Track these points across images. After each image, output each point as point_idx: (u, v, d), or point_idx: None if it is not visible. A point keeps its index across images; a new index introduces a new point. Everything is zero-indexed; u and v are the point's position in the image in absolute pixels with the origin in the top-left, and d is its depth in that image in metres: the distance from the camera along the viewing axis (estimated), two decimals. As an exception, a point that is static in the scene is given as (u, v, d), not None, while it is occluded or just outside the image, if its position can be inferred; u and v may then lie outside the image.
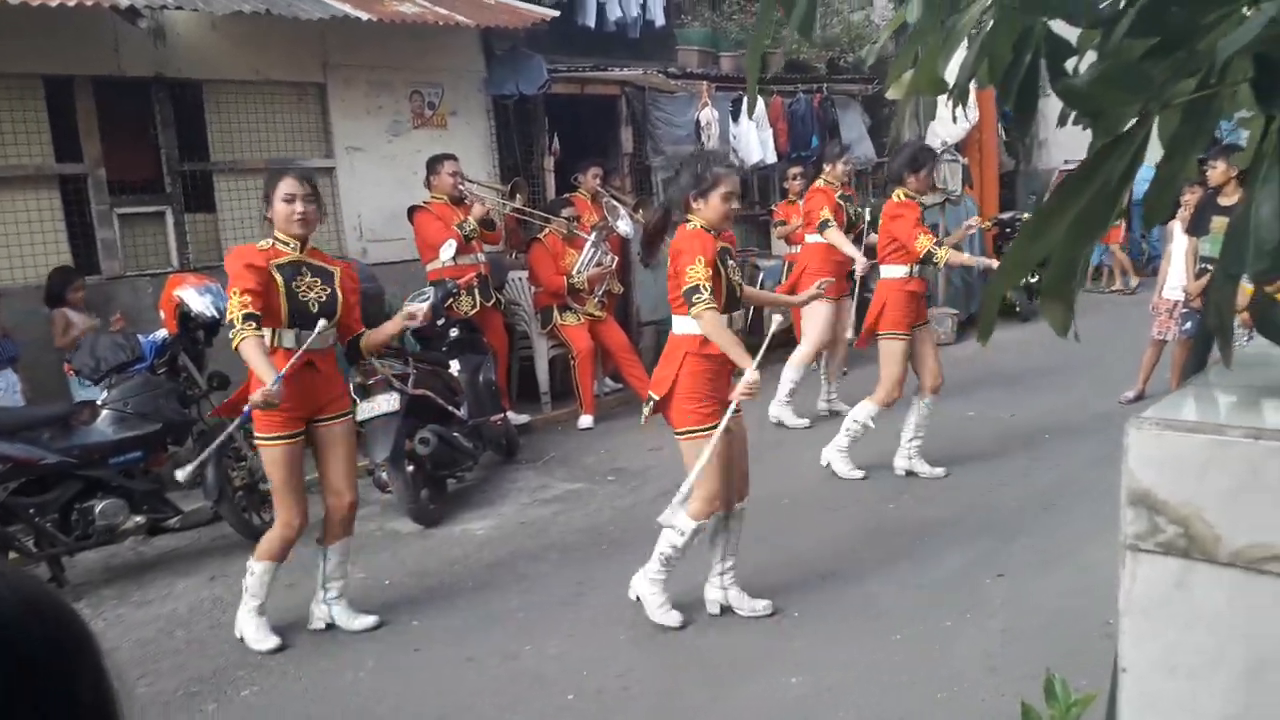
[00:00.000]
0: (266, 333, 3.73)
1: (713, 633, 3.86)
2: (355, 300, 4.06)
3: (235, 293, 3.66)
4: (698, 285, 3.59)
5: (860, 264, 6.55)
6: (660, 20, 9.24)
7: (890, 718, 3.20)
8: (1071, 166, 13.18)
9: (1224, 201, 5.94)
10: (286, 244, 3.83)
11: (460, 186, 6.82)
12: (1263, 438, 1.03)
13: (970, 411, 6.68)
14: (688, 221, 3.81)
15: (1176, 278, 6.48)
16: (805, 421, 6.88)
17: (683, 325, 3.76)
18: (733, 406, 3.65)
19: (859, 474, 5.57)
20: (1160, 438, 1.08)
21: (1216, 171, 5.85)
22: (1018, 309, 10.15)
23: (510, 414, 6.77)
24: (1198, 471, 1.06)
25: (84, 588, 4.68)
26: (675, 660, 3.67)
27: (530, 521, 5.32)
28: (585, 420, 7.20)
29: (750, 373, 3.57)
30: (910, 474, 5.59)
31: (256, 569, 3.94)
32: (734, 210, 3.80)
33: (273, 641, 3.92)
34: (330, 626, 4.03)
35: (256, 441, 3.92)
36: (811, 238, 6.99)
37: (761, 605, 3.94)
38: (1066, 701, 1.87)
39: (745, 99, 9.28)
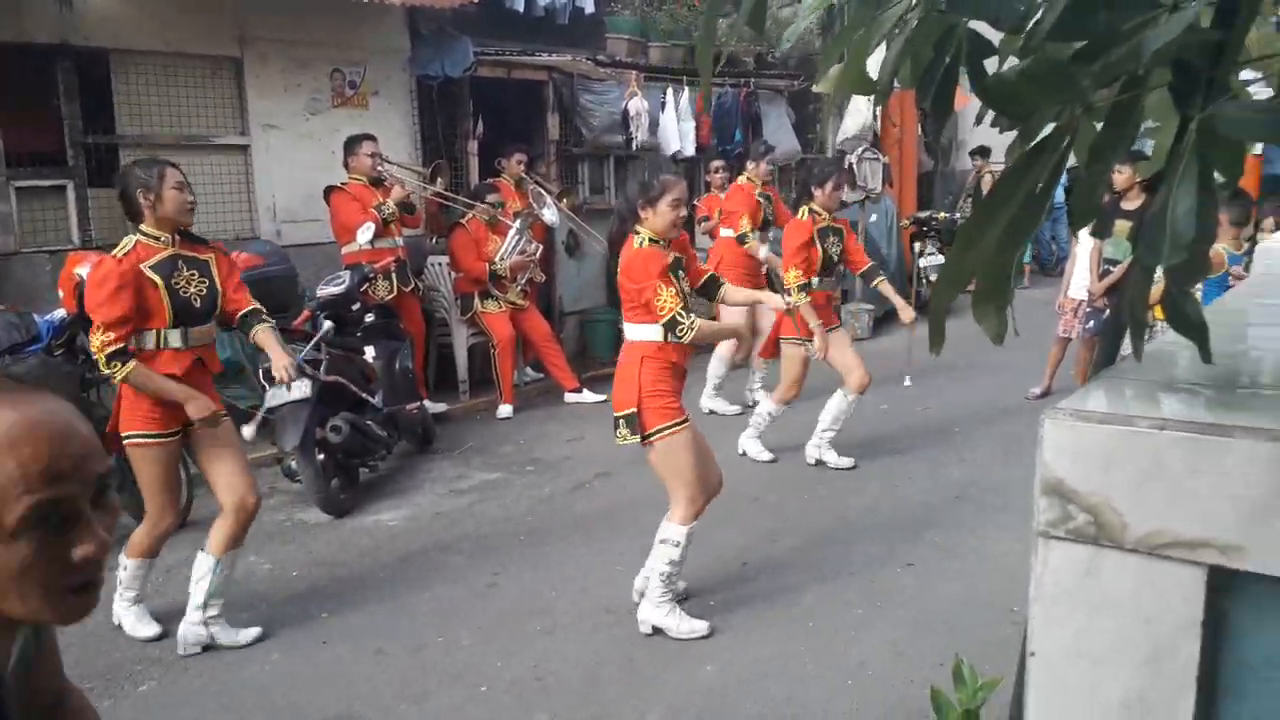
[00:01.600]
0: (151, 334, 3.58)
1: (629, 623, 3.84)
2: (237, 279, 3.89)
3: (100, 329, 3.45)
4: (674, 316, 3.59)
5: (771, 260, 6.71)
6: (590, 7, 9.19)
7: (801, 705, 3.23)
8: (997, 166, 13.58)
9: (1127, 205, 6.16)
10: (157, 239, 3.60)
11: (379, 168, 6.68)
12: (1167, 428, 1.05)
13: (883, 405, 6.81)
14: (636, 234, 3.74)
15: (1081, 278, 6.70)
16: (737, 408, 7.02)
17: (638, 332, 3.72)
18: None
19: (767, 456, 5.84)
20: (1072, 429, 1.10)
21: (1122, 176, 6.05)
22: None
23: (427, 402, 6.66)
24: (1106, 461, 1.08)
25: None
26: (590, 650, 3.65)
27: (445, 512, 5.24)
28: (504, 410, 7.13)
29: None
30: (819, 463, 5.68)
31: (129, 564, 3.83)
32: (682, 217, 3.77)
33: (153, 629, 3.83)
34: (209, 649, 3.71)
35: (128, 442, 3.62)
36: (726, 232, 7.05)
37: (701, 627, 3.82)
38: (974, 686, 1.90)
39: (687, 91, 9.33)
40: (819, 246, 5.41)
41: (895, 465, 5.69)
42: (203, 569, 3.73)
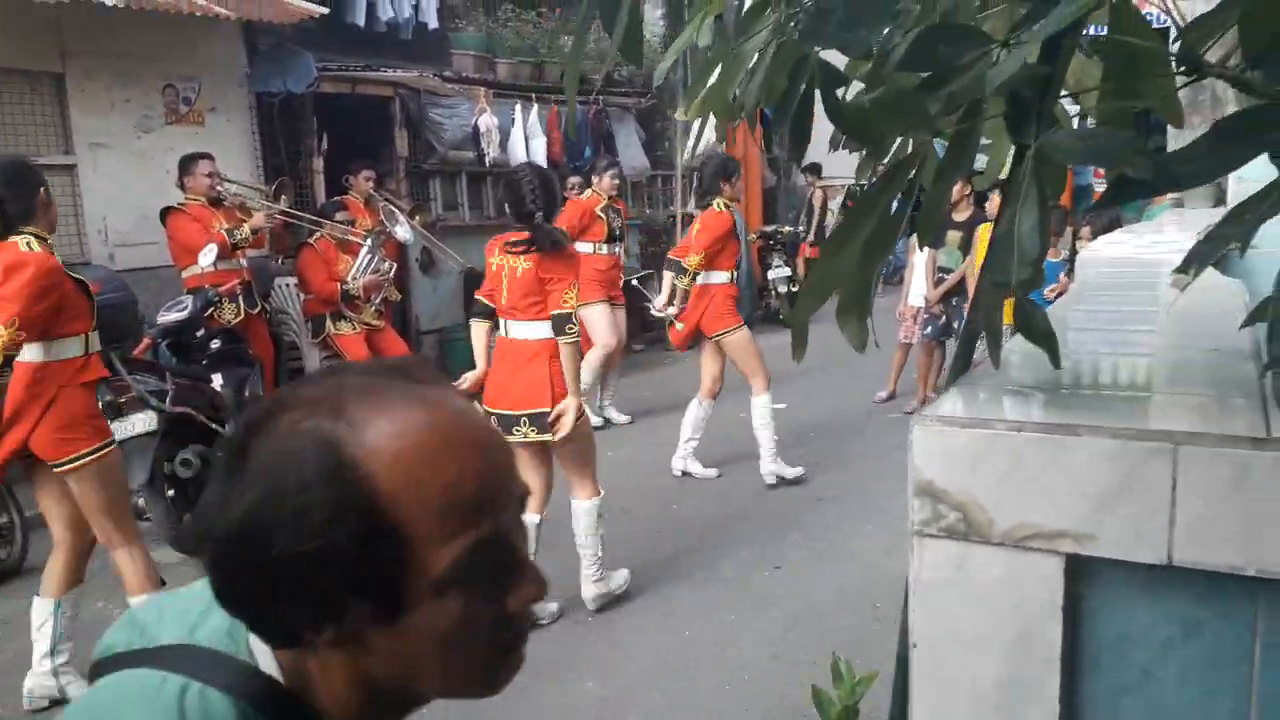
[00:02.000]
0: (78, 340, 3.35)
1: (506, 642, 3.83)
2: None
3: (13, 322, 3.08)
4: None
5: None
6: (433, 23, 9.09)
7: (684, 711, 3.31)
8: (827, 183, 14.17)
9: (958, 217, 6.58)
10: (45, 241, 3.33)
11: (218, 187, 6.41)
12: (1024, 430, 1.15)
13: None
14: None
15: (919, 286, 7.11)
16: (627, 419, 7.17)
17: (538, 330, 3.82)
18: None
19: (798, 470, 5.68)
20: (939, 433, 1.19)
21: (955, 189, 6.47)
22: (781, 316, 10.76)
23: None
24: (971, 462, 1.18)
25: None
26: (469, 673, 3.62)
27: (308, 541, 5.07)
28: (363, 433, 6.95)
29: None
30: (686, 474, 5.80)
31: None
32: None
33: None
34: (56, 703, 3.43)
35: (100, 453, 3.43)
36: (581, 246, 7.10)
37: (549, 610, 3.99)
38: (851, 682, 2.00)
39: (559, 110, 9.37)
40: (740, 239, 5.66)
41: (757, 471, 5.86)
42: (42, 614, 3.47)
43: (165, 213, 6.29)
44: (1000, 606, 1.18)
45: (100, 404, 4.65)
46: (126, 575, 3.49)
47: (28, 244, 3.22)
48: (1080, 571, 1.13)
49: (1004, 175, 1.40)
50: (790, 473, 5.66)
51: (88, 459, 3.35)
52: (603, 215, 7.25)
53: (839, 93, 1.46)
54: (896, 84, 1.31)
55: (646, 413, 7.41)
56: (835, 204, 14.03)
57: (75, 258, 6.49)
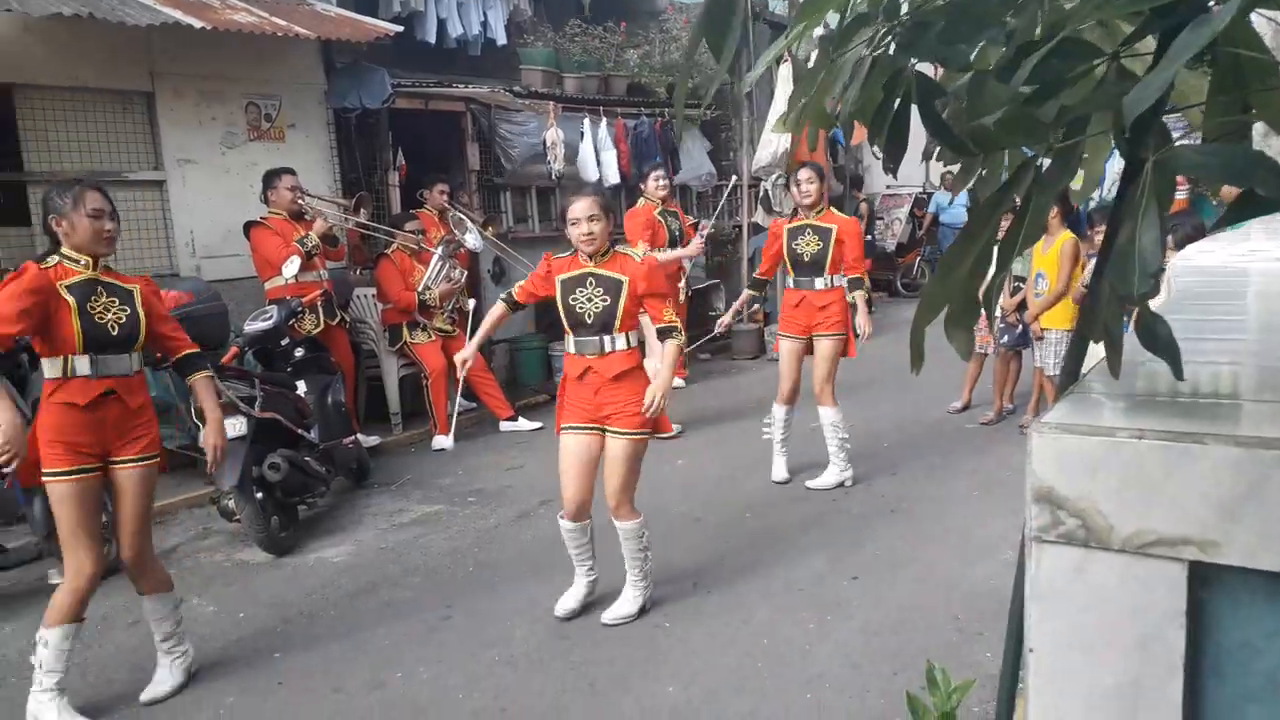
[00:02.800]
0: (58, 361, 3.40)
1: (587, 646, 3.90)
2: (164, 314, 3.75)
3: None
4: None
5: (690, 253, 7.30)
6: (502, 39, 9.26)
7: (763, 719, 3.32)
8: (892, 193, 14.07)
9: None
10: (76, 261, 3.46)
11: (299, 201, 6.62)
12: (1145, 437, 1.17)
13: (813, 423, 6.98)
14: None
15: (993, 296, 7.01)
16: (679, 427, 7.13)
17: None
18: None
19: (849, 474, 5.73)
20: (1059, 441, 1.21)
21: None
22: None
23: (360, 436, 6.60)
24: (1091, 469, 1.19)
25: (-112, 639, 4.25)
26: (550, 677, 3.68)
27: (390, 546, 5.20)
28: (441, 441, 7.08)
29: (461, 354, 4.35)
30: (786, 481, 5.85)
31: (51, 638, 3.40)
32: (585, 236, 3.90)
33: None
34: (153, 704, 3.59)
35: (43, 478, 3.41)
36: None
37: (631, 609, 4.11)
38: (948, 689, 2.02)
39: (673, 125, 9.61)
40: (784, 244, 5.67)
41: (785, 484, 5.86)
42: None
43: (249, 227, 6.51)
44: (1120, 612, 1.19)
45: (192, 410, 4.86)
46: (54, 599, 3.45)
47: (41, 260, 3.45)
48: (1203, 578, 1.14)
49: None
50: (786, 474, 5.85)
51: (45, 479, 3.43)
52: (661, 220, 7.32)
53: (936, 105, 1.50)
54: (1008, 98, 1.34)
55: (715, 421, 7.44)
56: (901, 213, 13.94)
57: (164, 270, 6.75)
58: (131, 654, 3.99)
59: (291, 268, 6.30)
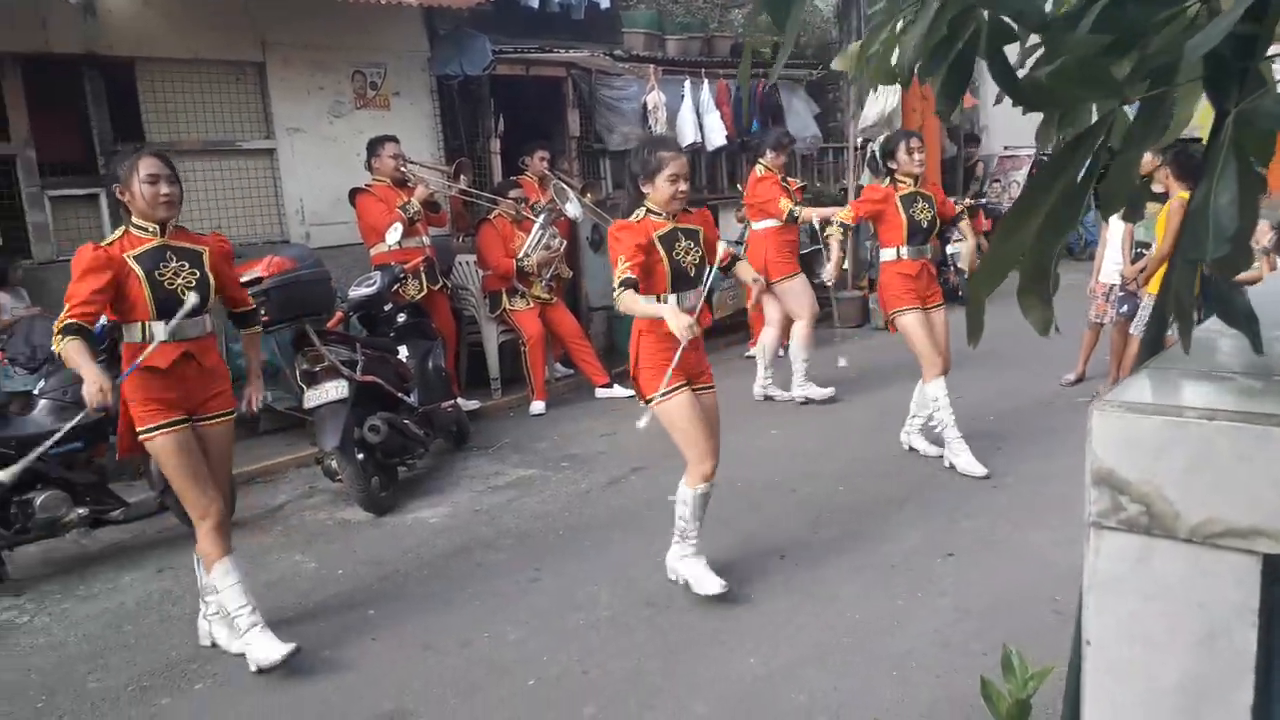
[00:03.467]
0: (135, 328, 3.53)
1: (671, 614, 3.90)
2: (232, 275, 3.86)
3: (66, 302, 3.39)
4: (618, 278, 3.76)
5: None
6: (605, 3, 9.20)
7: (847, 695, 3.26)
8: (1010, 153, 13.46)
9: (1157, 188, 6.12)
10: (144, 229, 3.53)
11: (402, 168, 6.74)
12: (1216, 418, 1.07)
13: (958, 395, 6.78)
14: (638, 210, 3.89)
15: (1112, 263, 6.66)
16: (830, 391, 7.02)
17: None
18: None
19: (935, 450, 5.58)
20: (1122, 419, 1.12)
21: (1146, 161, 6.01)
22: (960, 293, 10.34)
23: (460, 400, 6.73)
24: (1157, 452, 1.10)
25: (26, 582, 4.57)
26: (633, 643, 3.70)
27: (484, 508, 5.30)
28: (537, 406, 7.19)
29: (672, 316, 3.63)
30: (912, 450, 5.70)
31: (217, 582, 3.60)
32: (683, 191, 3.83)
33: (283, 650, 3.56)
34: (215, 645, 3.79)
35: (141, 438, 3.54)
36: (760, 224, 7.04)
37: (715, 586, 3.96)
38: (1024, 676, 1.92)
39: (706, 84, 9.33)
40: (902, 213, 5.40)
41: (932, 456, 5.69)
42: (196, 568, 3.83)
43: (354, 194, 6.68)
44: (1185, 606, 1.10)
45: (296, 373, 5.04)
46: (199, 548, 3.67)
47: (109, 238, 3.57)
48: (1278, 572, 1.04)
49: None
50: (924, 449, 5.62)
51: (143, 435, 3.56)
52: (784, 186, 7.19)
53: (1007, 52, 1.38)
54: (1080, 48, 1.23)
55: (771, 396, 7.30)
56: (1020, 175, 13.34)
57: (275, 237, 7.00)
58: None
59: (394, 234, 6.44)
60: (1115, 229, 6.60)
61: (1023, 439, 5.79)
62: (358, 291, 6.02)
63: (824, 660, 3.49)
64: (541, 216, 7.28)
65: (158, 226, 3.57)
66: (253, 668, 3.57)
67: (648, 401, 3.88)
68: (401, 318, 6.27)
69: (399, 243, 6.50)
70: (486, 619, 3.97)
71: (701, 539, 4.02)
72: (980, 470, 5.24)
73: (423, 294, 6.67)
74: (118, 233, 3.58)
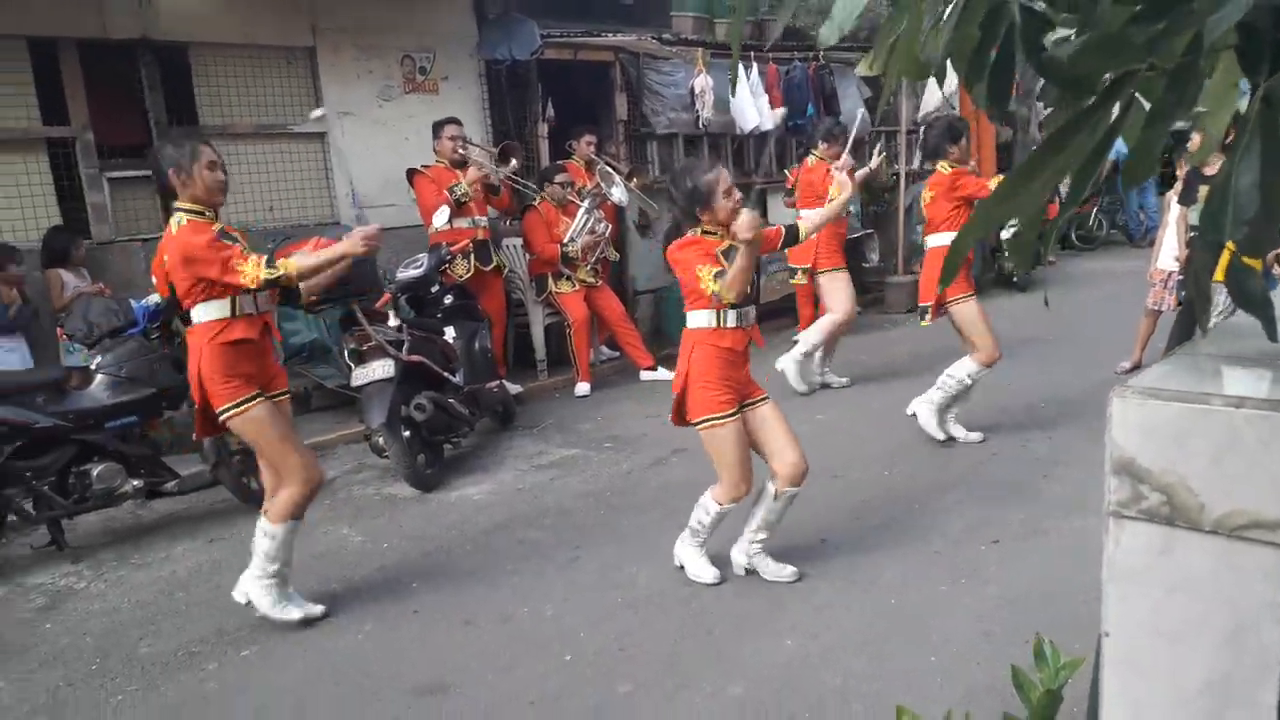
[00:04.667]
0: (225, 303, 3.58)
1: (709, 596, 3.90)
2: None
3: (239, 263, 3.44)
4: (713, 278, 3.68)
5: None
6: (654, -15, 9.17)
7: (884, 680, 3.24)
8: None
9: (1208, 171, 5.94)
10: (200, 215, 3.59)
11: (460, 150, 6.78)
12: (1244, 406, 1.04)
13: (1004, 381, 6.69)
14: (694, 228, 3.84)
15: (1170, 248, 6.49)
16: (846, 380, 7.04)
17: (693, 319, 3.83)
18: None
19: (976, 436, 5.59)
20: (1143, 406, 1.10)
21: (1197, 141, 5.83)
22: (1015, 279, 10.15)
23: (506, 381, 6.78)
24: (1180, 440, 1.08)
25: (83, 550, 4.72)
26: (671, 622, 3.72)
27: (527, 487, 5.35)
28: (581, 388, 7.23)
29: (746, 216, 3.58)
30: (951, 439, 5.63)
31: (278, 532, 3.72)
32: (739, 199, 3.81)
33: (316, 610, 3.84)
34: (249, 604, 3.84)
35: (227, 416, 3.61)
36: (808, 212, 6.92)
37: (787, 572, 4.00)
38: (1055, 665, 1.89)
39: (757, 67, 9.23)
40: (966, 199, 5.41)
41: (987, 441, 5.61)
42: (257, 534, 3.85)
43: (411, 175, 6.75)
44: (1209, 600, 1.08)
45: (344, 352, 5.11)
46: (273, 504, 3.75)
47: (178, 220, 3.57)
48: (1307, 567, 1.02)
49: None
50: (938, 434, 5.52)
51: (230, 413, 3.62)
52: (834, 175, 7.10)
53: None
54: (1106, 19, 1.19)
55: (862, 377, 7.25)
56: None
57: (326, 219, 7.11)
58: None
59: (440, 217, 6.48)
60: (1173, 214, 6.43)
61: (1075, 428, 5.67)
62: (405, 273, 6.09)
63: (863, 645, 3.47)
64: (586, 202, 7.29)
65: (212, 212, 3.65)
66: (270, 610, 3.77)
67: (694, 423, 3.81)
68: (449, 299, 6.32)
69: (449, 224, 6.55)
70: (526, 595, 4.01)
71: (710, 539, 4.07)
72: (939, 435, 5.48)
73: (470, 274, 6.71)
74: (181, 220, 3.57)
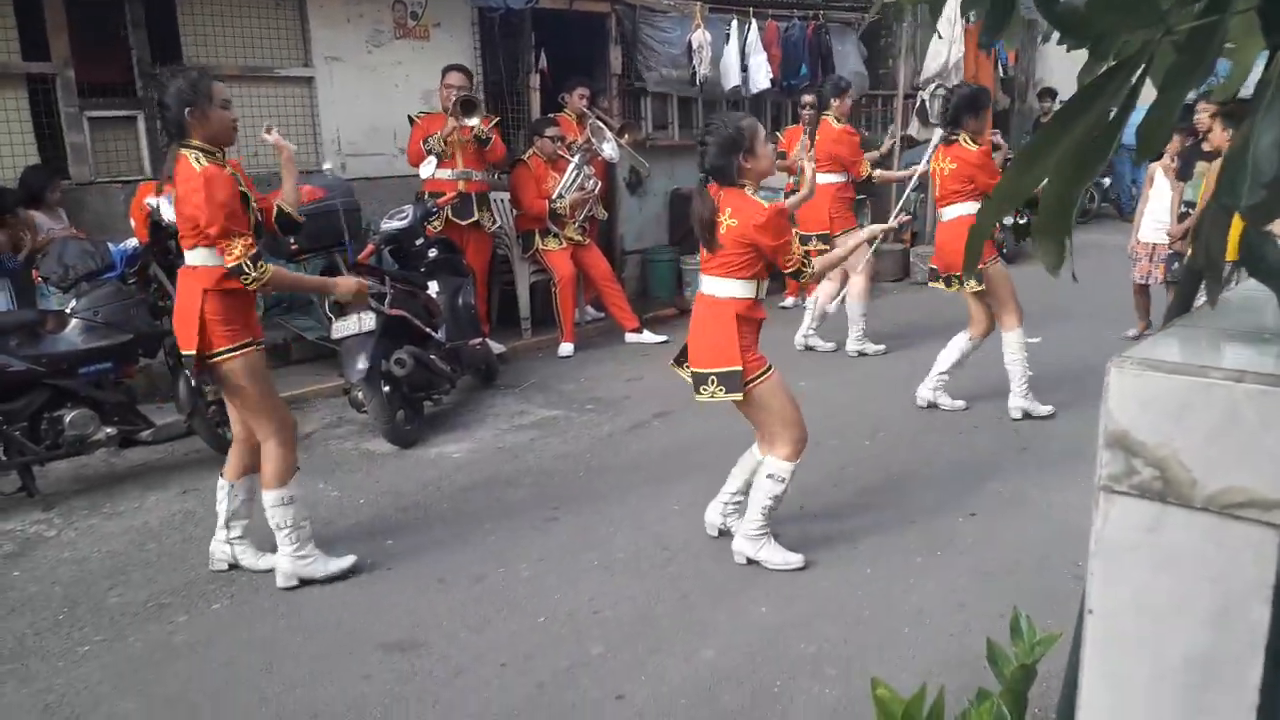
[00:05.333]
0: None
1: (685, 560, 3.88)
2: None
3: (235, 236, 3.37)
4: (801, 264, 3.64)
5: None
6: (654, -63, 8.96)
7: (857, 648, 3.24)
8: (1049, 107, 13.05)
9: (1208, 146, 5.91)
10: (212, 154, 3.46)
11: (452, 98, 6.60)
12: (1244, 380, 1.00)
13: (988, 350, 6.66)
14: (742, 186, 3.63)
15: (1153, 221, 6.45)
16: (883, 347, 7.01)
17: (731, 289, 3.65)
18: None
19: (1048, 409, 5.51)
20: (1139, 378, 1.05)
21: (1205, 115, 5.78)
22: (1004, 250, 10.08)
23: (490, 340, 6.70)
24: (1177, 414, 1.03)
25: (55, 497, 4.65)
26: (645, 586, 3.70)
27: (507, 446, 5.31)
28: (565, 348, 7.17)
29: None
30: (933, 406, 5.63)
31: (297, 494, 3.71)
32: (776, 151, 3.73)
33: (347, 561, 3.82)
34: (233, 567, 3.85)
35: (224, 356, 3.50)
36: (825, 177, 6.68)
37: (795, 559, 3.83)
38: (1031, 640, 1.87)
39: (754, 24, 9.09)
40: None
41: (962, 413, 5.60)
42: (220, 493, 3.86)
43: (411, 121, 6.65)
44: (1197, 578, 1.04)
45: (325, 303, 5.03)
46: (264, 466, 3.68)
47: (196, 159, 3.41)
48: (1301, 549, 0.97)
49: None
50: (1041, 410, 5.46)
51: (226, 355, 3.52)
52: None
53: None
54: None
55: (842, 346, 7.20)
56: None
57: (310, 166, 6.95)
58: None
59: (427, 168, 6.38)
60: (1158, 188, 6.39)
61: (1056, 401, 5.63)
62: (390, 224, 5.98)
63: (837, 613, 3.46)
64: (577, 157, 7.17)
65: (223, 152, 3.54)
66: (320, 575, 3.74)
67: (747, 383, 3.63)
68: (433, 253, 6.22)
69: (433, 175, 6.44)
70: (501, 555, 3.98)
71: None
72: (959, 405, 5.58)
73: (443, 229, 6.51)
74: (199, 157, 3.42)
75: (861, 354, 6.93)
